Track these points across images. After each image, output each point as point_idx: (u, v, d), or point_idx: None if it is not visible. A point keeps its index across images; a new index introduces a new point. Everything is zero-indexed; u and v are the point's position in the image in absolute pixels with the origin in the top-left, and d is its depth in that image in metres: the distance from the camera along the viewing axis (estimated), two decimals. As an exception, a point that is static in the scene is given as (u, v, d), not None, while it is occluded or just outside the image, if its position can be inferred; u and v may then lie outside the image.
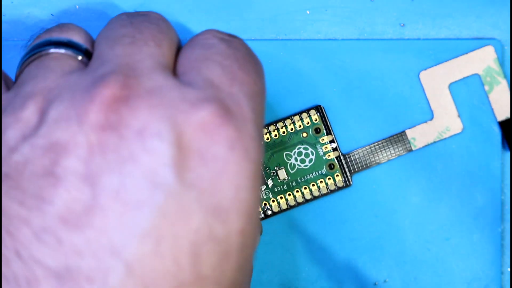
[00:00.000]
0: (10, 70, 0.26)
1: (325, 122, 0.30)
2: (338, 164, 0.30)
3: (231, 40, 0.23)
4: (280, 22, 0.30)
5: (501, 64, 0.30)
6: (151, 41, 0.22)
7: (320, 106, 0.30)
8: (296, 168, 0.30)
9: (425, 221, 0.30)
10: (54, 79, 0.21)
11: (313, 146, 0.30)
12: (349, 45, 0.30)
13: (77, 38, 0.23)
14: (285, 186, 0.30)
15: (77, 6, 0.30)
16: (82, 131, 0.19)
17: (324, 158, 0.30)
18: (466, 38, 0.30)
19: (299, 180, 0.30)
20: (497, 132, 0.30)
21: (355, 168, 0.30)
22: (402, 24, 0.30)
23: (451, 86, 0.30)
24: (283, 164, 0.30)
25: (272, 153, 0.30)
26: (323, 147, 0.30)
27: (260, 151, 0.21)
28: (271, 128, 0.30)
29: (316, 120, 0.30)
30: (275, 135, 0.30)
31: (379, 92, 0.30)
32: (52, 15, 0.30)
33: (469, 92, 0.30)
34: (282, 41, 0.30)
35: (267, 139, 0.30)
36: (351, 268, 0.30)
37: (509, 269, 0.30)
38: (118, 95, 0.20)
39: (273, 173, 0.30)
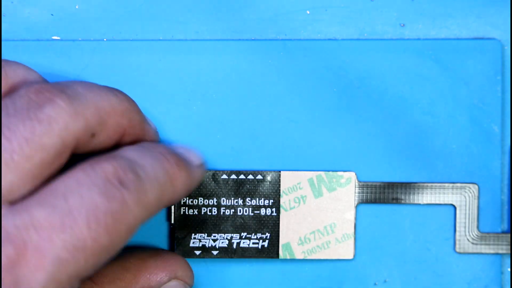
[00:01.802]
0: (10, 70, 0.26)
1: None
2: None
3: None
4: (280, 22, 0.30)
5: (501, 64, 0.30)
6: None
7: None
8: None
9: (425, 221, 0.30)
10: None
11: None
12: (349, 45, 0.30)
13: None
14: None
15: (77, 6, 0.30)
16: None
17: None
18: (466, 38, 0.30)
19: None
20: (497, 132, 0.30)
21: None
22: (402, 24, 0.30)
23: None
24: None
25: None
26: None
27: None
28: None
29: None
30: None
31: (379, 92, 0.30)
32: (52, 15, 0.30)
33: (469, 92, 0.30)
34: (282, 41, 0.30)
35: None
36: (351, 268, 0.30)
37: (509, 269, 0.30)
38: None
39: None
